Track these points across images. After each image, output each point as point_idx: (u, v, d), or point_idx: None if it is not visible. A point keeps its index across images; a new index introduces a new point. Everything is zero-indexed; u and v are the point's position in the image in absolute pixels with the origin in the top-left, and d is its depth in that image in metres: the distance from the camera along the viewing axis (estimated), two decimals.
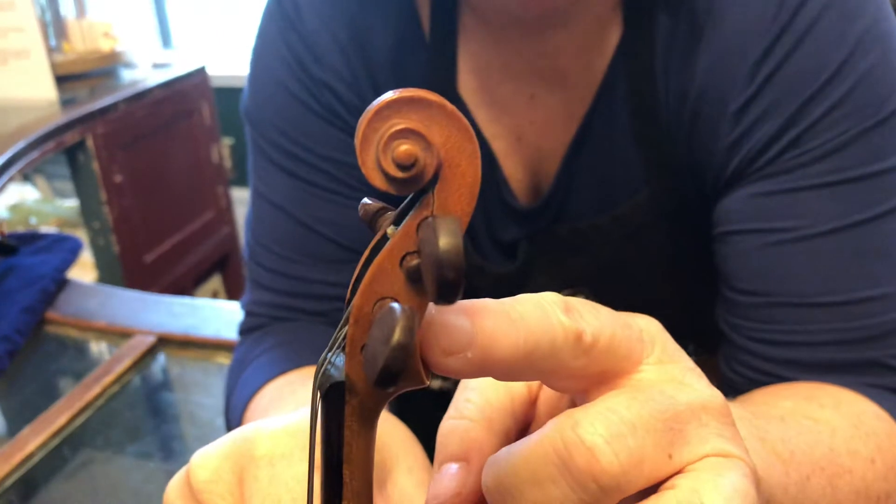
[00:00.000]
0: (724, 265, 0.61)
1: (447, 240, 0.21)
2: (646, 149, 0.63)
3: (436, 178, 0.23)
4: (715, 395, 0.28)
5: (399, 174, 0.22)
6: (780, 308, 0.58)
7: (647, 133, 0.62)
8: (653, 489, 0.26)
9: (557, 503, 0.25)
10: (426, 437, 0.46)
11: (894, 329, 0.56)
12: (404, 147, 0.22)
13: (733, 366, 0.61)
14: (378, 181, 0.22)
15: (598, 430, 0.25)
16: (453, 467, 0.31)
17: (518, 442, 0.27)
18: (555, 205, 0.67)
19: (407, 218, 0.23)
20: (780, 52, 0.55)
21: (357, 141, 0.22)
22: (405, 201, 0.25)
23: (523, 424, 0.34)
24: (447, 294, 0.21)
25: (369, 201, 0.26)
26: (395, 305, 0.22)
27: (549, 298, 0.27)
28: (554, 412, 0.33)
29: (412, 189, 0.23)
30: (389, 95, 0.22)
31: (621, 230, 0.66)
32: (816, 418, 0.49)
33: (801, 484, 0.41)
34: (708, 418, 0.27)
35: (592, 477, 0.25)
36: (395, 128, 0.22)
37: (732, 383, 0.62)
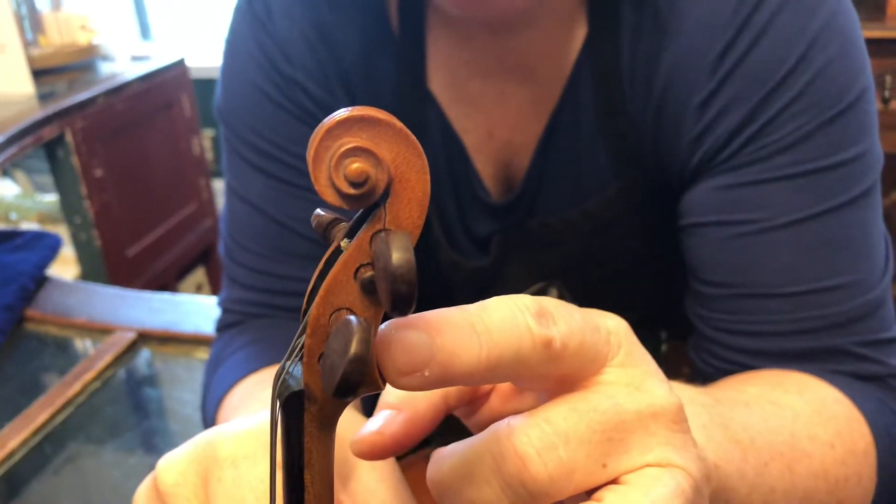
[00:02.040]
0: (690, 257, 0.62)
1: (399, 255, 0.21)
2: (613, 144, 0.64)
3: (387, 193, 0.23)
4: (670, 401, 0.29)
5: (351, 191, 0.23)
6: (744, 299, 0.59)
7: (614, 128, 0.63)
8: (590, 493, 0.27)
9: (490, 502, 0.27)
10: None
11: (856, 317, 0.57)
12: (356, 165, 0.22)
13: (702, 355, 0.63)
14: (331, 197, 0.23)
15: (532, 441, 0.26)
16: (384, 412, 0.34)
17: (461, 441, 0.28)
18: (527, 199, 0.68)
19: (360, 231, 0.24)
20: (740, 46, 0.56)
21: (309, 159, 0.22)
22: (357, 214, 0.25)
23: (474, 392, 0.36)
24: (401, 306, 0.22)
25: (322, 212, 0.27)
26: (352, 318, 0.22)
27: (521, 303, 0.27)
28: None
29: (364, 204, 0.23)
30: (339, 115, 0.22)
31: (592, 224, 0.67)
32: (780, 403, 0.50)
33: (759, 469, 0.42)
34: (656, 426, 0.28)
35: (522, 483, 0.26)
36: (345, 146, 0.22)
37: (701, 372, 0.63)
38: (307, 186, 0.69)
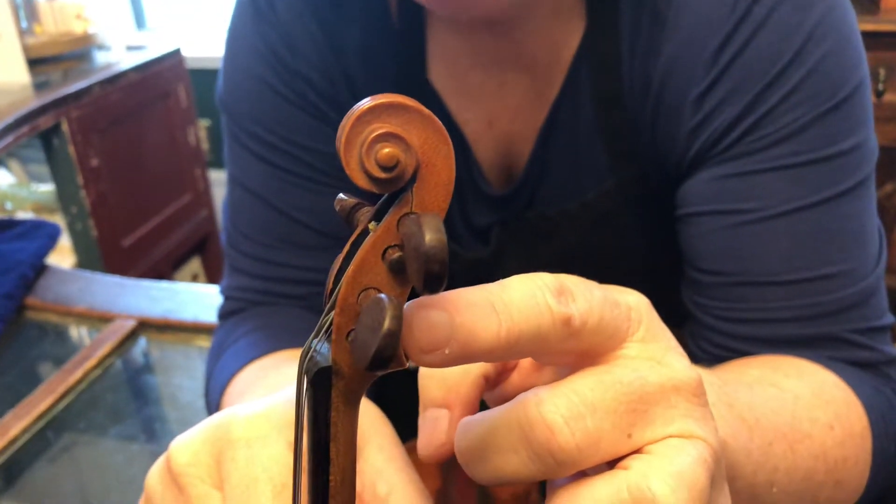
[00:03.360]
0: (687, 246, 0.63)
1: (432, 235, 0.22)
2: (611, 137, 0.65)
3: (414, 177, 0.24)
4: (690, 375, 0.30)
5: (382, 175, 0.23)
6: (741, 287, 0.60)
7: (613, 122, 0.64)
8: (614, 463, 0.28)
9: (518, 471, 0.28)
10: (404, 413, 0.48)
11: (850, 305, 0.58)
12: (387, 150, 0.23)
13: (699, 343, 0.64)
14: (362, 181, 0.24)
15: (560, 410, 0.27)
16: (438, 415, 0.34)
17: (489, 411, 0.29)
18: (527, 190, 0.69)
19: (387, 214, 0.25)
20: (738, 40, 0.57)
21: (340, 145, 0.23)
22: (382, 199, 0.26)
23: (503, 367, 0.37)
24: (433, 285, 0.23)
25: (345, 197, 0.28)
26: (383, 296, 0.23)
27: (541, 281, 0.28)
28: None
29: (393, 188, 0.24)
30: (370, 101, 0.23)
31: (590, 216, 0.68)
32: (781, 386, 0.51)
33: (764, 449, 0.43)
34: (678, 399, 0.29)
35: (550, 452, 0.27)
36: (376, 132, 0.23)
37: (698, 360, 0.64)
38: (310, 176, 0.69)
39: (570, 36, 0.63)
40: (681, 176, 0.63)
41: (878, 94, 1.85)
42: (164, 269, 2.28)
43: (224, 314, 0.75)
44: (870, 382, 0.58)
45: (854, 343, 0.59)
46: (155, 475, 0.41)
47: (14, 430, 0.86)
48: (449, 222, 0.71)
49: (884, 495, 0.58)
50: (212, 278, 2.56)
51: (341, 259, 0.27)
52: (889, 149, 1.81)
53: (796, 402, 0.50)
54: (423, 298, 0.27)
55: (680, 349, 0.31)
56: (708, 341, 0.63)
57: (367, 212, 0.27)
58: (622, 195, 0.67)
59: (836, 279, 0.58)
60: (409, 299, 0.26)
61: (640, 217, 0.68)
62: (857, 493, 0.54)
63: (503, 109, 0.67)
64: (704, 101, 0.59)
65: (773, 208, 0.58)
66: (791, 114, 0.57)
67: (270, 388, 0.55)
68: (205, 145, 2.72)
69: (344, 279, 0.25)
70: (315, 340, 0.28)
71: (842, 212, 0.58)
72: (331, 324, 0.26)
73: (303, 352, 0.28)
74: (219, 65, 0.74)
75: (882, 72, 1.83)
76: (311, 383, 0.27)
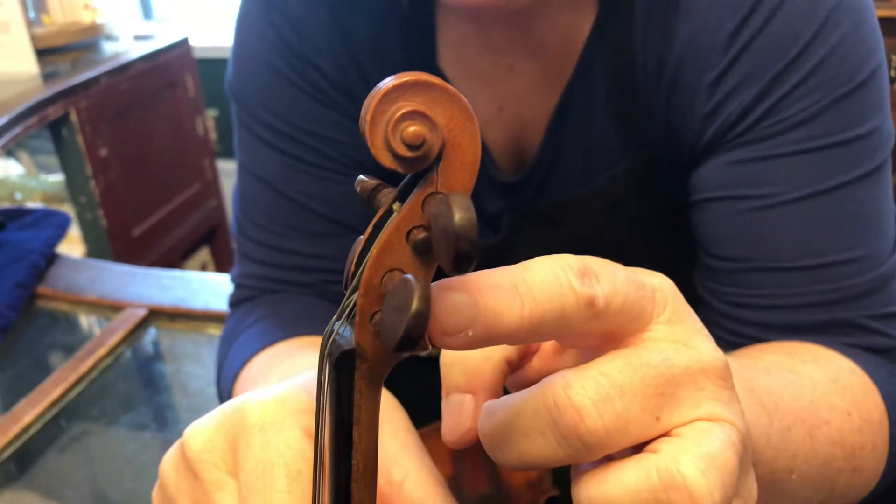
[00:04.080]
0: (701, 232, 0.63)
1: (462, 214, 0.22)
2: (624, 122, 0.64)
3: (440, 156, 0.24)
4: (717, 357, 0.29)
5: (408, 154, 0.23)
6: (756, 273, 0.59)
7: (625, 106, 0.64)
8: (641, 447, 0.28)
9: (544, 454, 0.27)
10: (417, 400, 0.48)
11: (866, 291, 0.58)
12: (413, 128, 0.23)
13: (713, 330, 0.63)
14: (387, 160, 0.23)
15: (588, 393, 0.27)
16: (462, 400, 0.34)
17: (514, 394, 0.29)
18: (538, 176, 0.68)
19: (412, 195, 0.25)
20: (754, 23, 0.57)
21: (365, 123, 0.23)
22: (405, 179, 0.26)
23: (525, 351, 0.36)
24: (463, 265, 0.22)
25: (366, 178, 0.27)
26: (409, 277, 0.23)
27: (564, 262, 0.28)
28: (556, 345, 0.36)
29: (419, 167, 0.24)
30: (394, 80, 0.23)
31: (601, 202, 0.68)
32: (799, 372, 0.51)
33: (783, 434, 0.43)
34: (705, 381, 0.29)
35: (578, 435, 0.27)
36: (402, 110, 0.23)
37: None
38: (320, 163, 0.69)
39: (582, 20, 0.63)
40: (694, 161, 0.63)
41: (893, 81, 1.84)
42: (174, 259, 2.28)
43: (235, 302, 0.75)
44: (886, 368, 0.57)
45: (870, 329, 0.58)
46: (169, 462, 0.41)
47: (27, 418, 0.86)
48: None
49: None
50: (221, 268, 2.56)
51: (363, 241, 0.26)
52: None
53: (814, 387, 0.50)
54: (445, 280, 0.26)
55: (705, 331, 0.31)
56: (721, 328, 0.63)
57: (388, 193, 0.26)
58: (634, 180, 0.66)
59: (851, 265, 0.58)
60: (435, 280, 0.26)
61: (652, 203, 0.68)
62: (874, 480, 0.54)
63: (513, 95, 0.67)
64: (719, 86, 0.59)
65: (788, 193, 0.58)
66: (807, 98, 0.57)
67: (283, 375, 0.55)
68: (213, 135, 2.72)
69: (367, 261, 0.25)
70: (337, 323, 0.27)
71: (858, 197, 0.58)
72: (353, 306, 0.26)
73: (324, 335, 0.27)
74: (227, 54, 0.73)
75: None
76: (333, 366, 0.26)
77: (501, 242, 0.71)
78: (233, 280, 0.75)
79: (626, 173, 0.66)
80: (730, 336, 0.62)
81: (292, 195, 0.69)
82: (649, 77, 0.62)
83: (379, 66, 0.68)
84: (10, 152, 2.33)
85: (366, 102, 0.23)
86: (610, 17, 0.62)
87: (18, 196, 2.09)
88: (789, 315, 0.59)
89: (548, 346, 0.37)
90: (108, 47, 2.23)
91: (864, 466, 0.52)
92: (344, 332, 0.27)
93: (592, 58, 0.63)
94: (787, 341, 0.59)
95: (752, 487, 0.30)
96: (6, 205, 1.89)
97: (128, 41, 2.28)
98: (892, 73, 1.81)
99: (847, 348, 0.57)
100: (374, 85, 0.24)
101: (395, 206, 0.25)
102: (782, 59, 0.57)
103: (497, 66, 0.66)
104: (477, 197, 0.70)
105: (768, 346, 0.58)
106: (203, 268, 2.50)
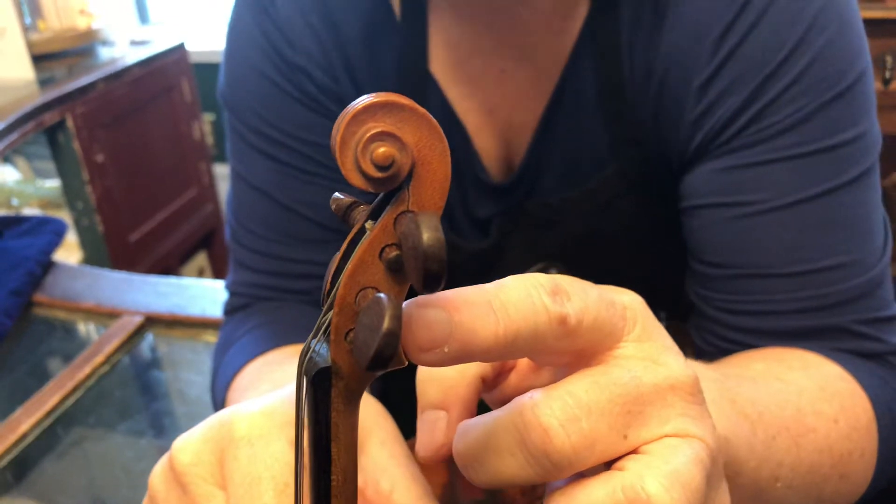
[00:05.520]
0: (691, 238, 0.63)
1: (430, 234, 0.22)
2: (613, 124, 0.64)
3: (410, 175, 0.24)
4: (686, 373, 0.30)
5: (377, 174, 0.23)
6: (746, 279, 0.60)
7: (614, 109, 0.64)
8: (610, 464, 0.28)
9: (515, 473, 0.28)
10: (405, 409, 0.48)
11: (855, 296, 0.58)
12: (382, 149, 0.23)
13: (704, 336, 0.63)
14: (357, 181, 0.24)
15: (555, 413, 0.27)
16: (436, 417, 0.35)
17: (486, 415, 0.29)
18: (527, 180, 0.68)
19: (384, 213, 0.25)
20: (740, 29, 0.57)
21: (335, 145, 0.23)
22: (378, 197, 0.26)
23: (500, 368, 0.37)
24: (432, 284, 0.23)
25: (341, 196, 0.28)
26: (382, 295, 0.23)
27: (536, 281, 0.28)
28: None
29: (389, 187, 0.24)
30: (364, 101, 0.23)
31: (591, 204, 0.68)
32: (785, 379, 0.51)
33: (768, 443, 0.43)
34: (674, 398, 0.29)
35: (546, 454, 0.27)
36: (371, 131, 0.23)
37: (704, 353, 0.64)
38: (312, 170, 0.69)
39: (571, 22, 0.63)
40: (684, 166, 0.63)
41: (885, 83, 1.84)
42: (171, 264, 2.28)
43: (230, 310, 0.75)
44: (876, 373, 0.57)
45: (860, 334, 0.59)
46: (158, 475, 0.41)
47: (24, 426, 0.86)
48: (450, 213, 0.71)
49: (891, 487, 0.58)
50: (218, 272, 2.56)
51: (338, 258, 0.26)
52: (895, 138, 1.80)
53: (801, 395, 0.50)
54: (421, 297, 0.27)
55: (676, 348, 0.31)
56: (713, 334, 0.63)
57: (363, 210, 0.27)
58: (623, 182, 0.67)
59: (841, 270, 0.58)
60: (406, 298, 0.26)
61: (642, 204, 0.68)
62: (863, 486, 0.54)
63: (504, 98, 0.67)
64: (707, 91, 0.59)
65: (776, 199, 0.58)
66: (794, 104, 0.57)
67: (275, 384, 0.55)
68: (209, 140, 2.72)
69: (342, 279, 0.25)
70: (314, 341, 0.28)
71: (846, 202, 0.58)
72: (329, 324, 0.26)
73: (302, 352, 0.28)
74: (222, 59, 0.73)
75: (889, 59, 1.82)
76: (310, 384, 0.27)
77: (492, 246, 0.71)
78: (227, 288, 0.76)
79: (616, 175, 0.66)
80: (721, 342, 0.62)
81: (285, 202, 0.70)
82: (637, 81, 0.62)
83: (370, 72, 0.68)
84: (6, 158, 2.33)
85: (336, 123, 0.24)
86: (598, 19, 0.62)
87: (15, 202, 2.09)
88: (779, 321, 0.59)
89: (524, 363, 0.37)
90: (105, 53, 2.23)
91: (853, 473, 0.52)
92: (320, 350, 0.27)
93: (581, 59, 0.63)
94: (777, 348, 0.59)
95: (723, 501, 0.31)
96: (2, 211, 1.90)
97: (124, 46, 2.29)
98: (888, 75, 1.81)
99: (837, 353, 0.57)
100: (365, 91, 0.24)
101: (368, 224, 0.26)
102: (769, 64, 0.57)
103: (488, 70, 0.66)
104: (467, 201, 0.70)
105: (757, 352, 0.58)
106: (200, 272, 2.50)
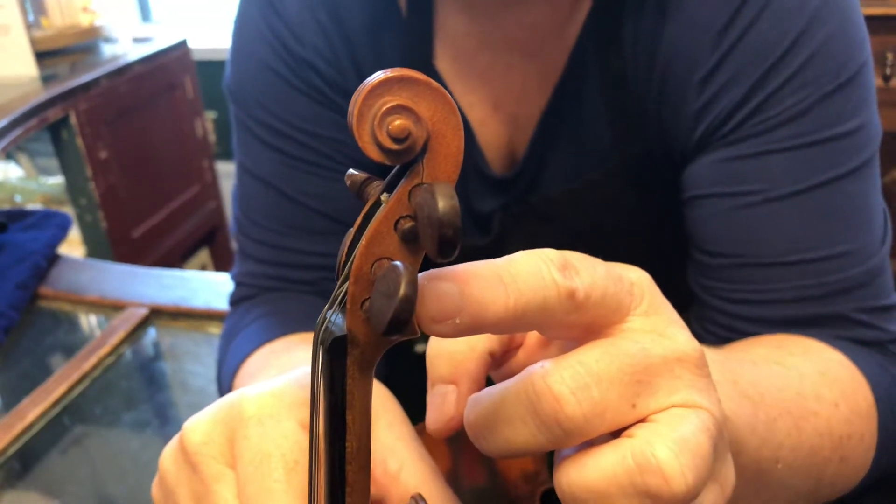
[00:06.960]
0: (693, 228, 0.64)
1: (445, 202, 0.23)
2: (616, 117, 0.65)
3: (424, 148, 0.25)
4: (693, 347, 0.30)
5: (393, 146, 0.24)
6: (747, 268, 0.60)
7: (617, 102, 0.64)
8: (619, 433, 0.29)
9: (526, 441, 0.29)
10: (410, 398, 0.49)
11: (855, 284, 0.59)
12: (398, 122, 0.24)
13: (705, 325, 0.64)
14: (374, 153, 0.24)
15: (566, 381, 0.28)
16: (446, 390, 0.35)
17: (497, 385, 0.30)
18: (529, 173, 0.69)
19: (399, 186, 0.26)
20: (742, 22, 0.58)
21: (352, 118, 0.24)
22: (392, 172, 0.27)
23: (509, 345, 0.38)
24: (447, 251, 0.24)
25: (355, 172, 0.28)
26: (398, 263, 0.24)
27: (546, 256, 0.29)
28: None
29: (405, 159, 0.25)
30: (380, 75, 0.24)
31: (593, 198, 0.69)
32: (786, 364, 0.52)
33: (769, 425, 0.44)
34: (681, 370, 0.30)
35: (557, 422, 0.28)
36: (388, 105, 0.24)
37: (705, 341, 0.64)
38: (317, 162, 0.70)
39: (575, 16, 0.64)
40: (686, 157, 0.64)
41: (886, 79, 1.84)
42: (174, 261, 2.29)
43: (235, 300, 0.76)
44: (876, 361, 0.58)
45: (860, 322, 0.59)
46: (168, 455, 0.41)
47: (30, 417, 0.87)
48: None
49: (890, 473, 0.58)
50: (221, 269, 2.56)
51: (354, 231, 0.27)
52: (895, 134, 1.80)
53: (801, 379, 0.51)
54: (433, 271, 0.27)
55: (682, 322, 0.32)
56: (714, 323, 0.63)
57: (377, 185, 0.27)
58: (626, 175, 0.67)
59: (841, 259, 0.59)
60: (420, 270, 0.27)
61: (645, 198, 0.69)
62: (862, 470, 0.55)
63: (510, 92, 0.67)
64: (709, 83, 0.60)
65: (777, 190, 0.59)
66: (795, 96, 0.58)
67: (281, 370, 0.56)
68: (212, 137, 2.73)
69: (357, 250, 0.26)
70: (329, 311, 0.28)
71: (846, 192, 0.59)
72: (345, 294, 0.27)
73: (317, 323, 0.28)
74: (225, 56, 0.74)
75: (890, 56, 1.82)
76: (326, 353, 0.27)
77: (493, 242, 0.72)
78: (233, 278, 0.76)
79: (619, 167, 0.67)
80: (722, 331, 0.63)
81: (290, 193, 0.70)
82: (640, 74, 0.63)
83: (376, 66, 0.68)
84: (9, 155, 2.33)
85: (353, 98, 0.24)
86: (601, 11, 0.62)
87: (18, 199, 2.09)
88: (780, 309, 0.60)
89: (532, 339, 0.38)
90: (107, 50, 2.24)
91: (853, 457, 0.53)
92: (336, 320, 0.28)
93: (584, 53, 0.64)
94: (778, 335, 0.59)
95: (728, 473, 0.31)
96: (6, 207, 1.90)
97: (127, 43, 2.29)
98: (889, 72, 1.82)
99: (837, 341, 0.58)
100: None
101: (384, 197, 0.26)
102: (770, 56, 0.57)
103: (495, 65, 0.67)
104: (468, 196, 0.71)
105: (759, 339, 0.59)
106: (203, 269, 2.51)
